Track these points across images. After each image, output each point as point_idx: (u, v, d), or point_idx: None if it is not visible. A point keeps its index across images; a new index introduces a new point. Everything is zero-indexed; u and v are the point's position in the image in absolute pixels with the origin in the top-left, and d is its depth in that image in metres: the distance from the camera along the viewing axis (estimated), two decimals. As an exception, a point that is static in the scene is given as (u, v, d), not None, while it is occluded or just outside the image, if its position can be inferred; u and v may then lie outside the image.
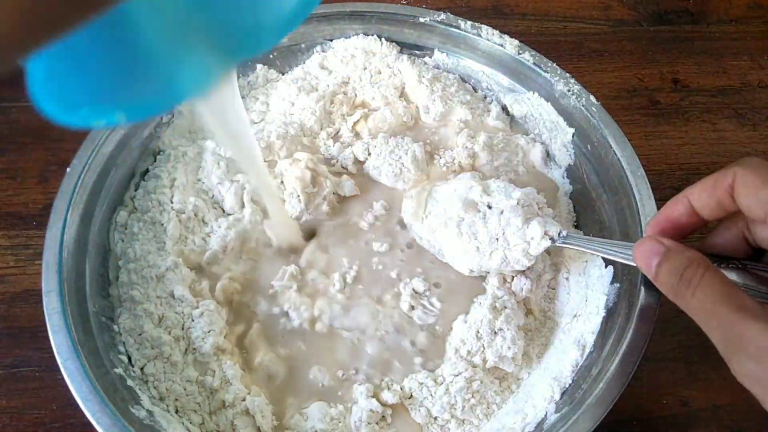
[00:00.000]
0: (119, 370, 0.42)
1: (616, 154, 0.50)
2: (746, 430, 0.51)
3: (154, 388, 0.43)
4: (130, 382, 0.42)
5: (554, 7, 0.75)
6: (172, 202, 0.51)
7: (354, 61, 0.58)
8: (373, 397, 0.44)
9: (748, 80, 0.71)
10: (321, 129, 0.56)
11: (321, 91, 0.56)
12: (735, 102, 0.70)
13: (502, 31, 0.57)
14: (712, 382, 0.53)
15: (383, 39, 0.58)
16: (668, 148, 0.66)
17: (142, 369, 0.44)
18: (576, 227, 0.54)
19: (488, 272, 0.49)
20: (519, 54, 0.56)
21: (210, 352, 0.45)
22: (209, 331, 0.45)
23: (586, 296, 0.49)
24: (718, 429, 0.51)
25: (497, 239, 0.47)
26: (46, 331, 0.42)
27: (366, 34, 0.58)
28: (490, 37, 0.57)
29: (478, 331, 0.46)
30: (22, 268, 0.55)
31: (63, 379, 0.40)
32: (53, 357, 0.40)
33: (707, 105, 0.69)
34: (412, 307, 0.48)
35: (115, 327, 0.45)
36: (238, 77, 0.57)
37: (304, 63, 0.59)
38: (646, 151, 0.64)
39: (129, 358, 0.44)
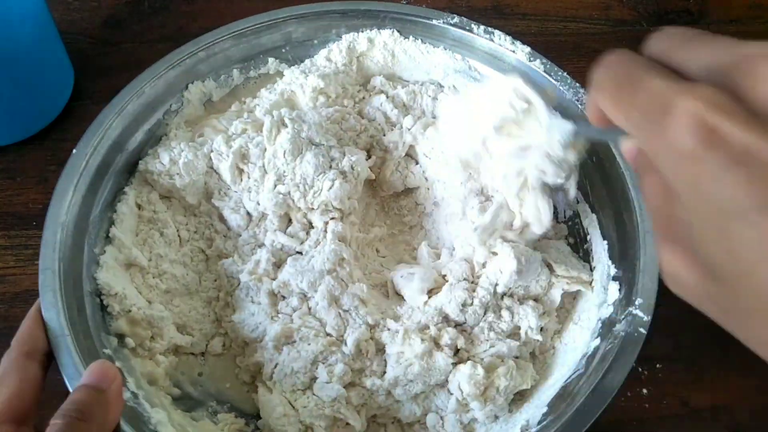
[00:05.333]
0: (108, 351, 0.43)
1: (620, 167, 0.50)
2: (746, 430, 0.51)
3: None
4: (118, 364, 0.43)
5: (554, 7, 0.75)
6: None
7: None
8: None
9: (748, 80, 0.71)
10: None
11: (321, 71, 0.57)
12: (735, 102, 0.70)
13: (502, 32, 0.57)
14: (712, 382, 0.53)
15: (394, 31, 0.58)
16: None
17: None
18: (577, 237, 0.54)
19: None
20: (530, 61, 0.55)
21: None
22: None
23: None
24: (718, 429, 0.51)
25: None
26: (46, 331, 0.41)
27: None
28: (502, 43, 0.56)
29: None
30: (22, 268, 0.55)
31: (63, 379, 0.40)
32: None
33: (707, 105, 0.69)
34: None
35: (105, 302, 0.46)
36: (250, 69, 0.57)
37: (312, 57, 0.59)
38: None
39: (118, 340, 0.45)
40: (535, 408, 0.45)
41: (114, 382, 0.37)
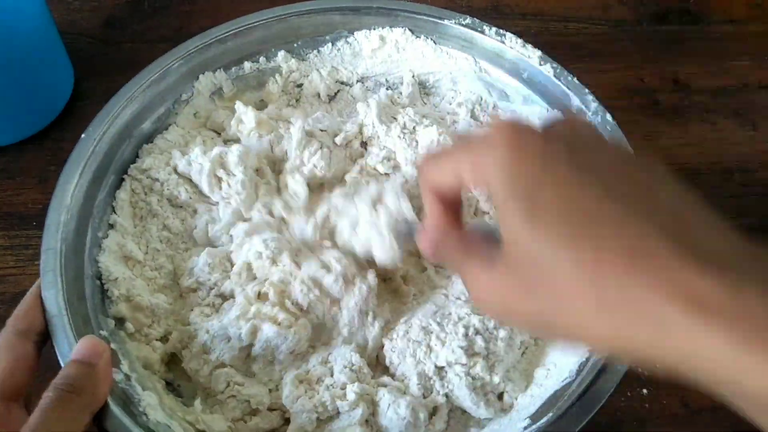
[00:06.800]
0: (104, 333, 0.43)
1: None
2: (746, 430, 0.51)
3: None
4: (113, 346, 0.43)
5: (554, 7, 0.75)
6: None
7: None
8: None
9: (748, 80, 0.71)
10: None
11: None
12: (735, 102, 0.70)
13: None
14: (712, 382, 0.53)
15: (406, 30, 0.58)
16: (668, 148, 0.66)
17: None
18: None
19: None
20: (541, 65, 0.55)
21: None
22: None
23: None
24: (718, 429, 0.51)
25: None
26: (46, 331, 0.41)
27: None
28: (513, 45, 0.56)
29: None
30: (22, 268, 0.55)
31: (56, 356, 0.40)
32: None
33: (707, 105, 0.69)
34: None
35: (106, 286, 0.46)
36: (261, 61, 0.58)
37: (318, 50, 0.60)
38: (647, 151, 0.64)
39: (115, 323, 0.45)
40: (517, 414, 0.44)
41: (103, 357, 0.38)
